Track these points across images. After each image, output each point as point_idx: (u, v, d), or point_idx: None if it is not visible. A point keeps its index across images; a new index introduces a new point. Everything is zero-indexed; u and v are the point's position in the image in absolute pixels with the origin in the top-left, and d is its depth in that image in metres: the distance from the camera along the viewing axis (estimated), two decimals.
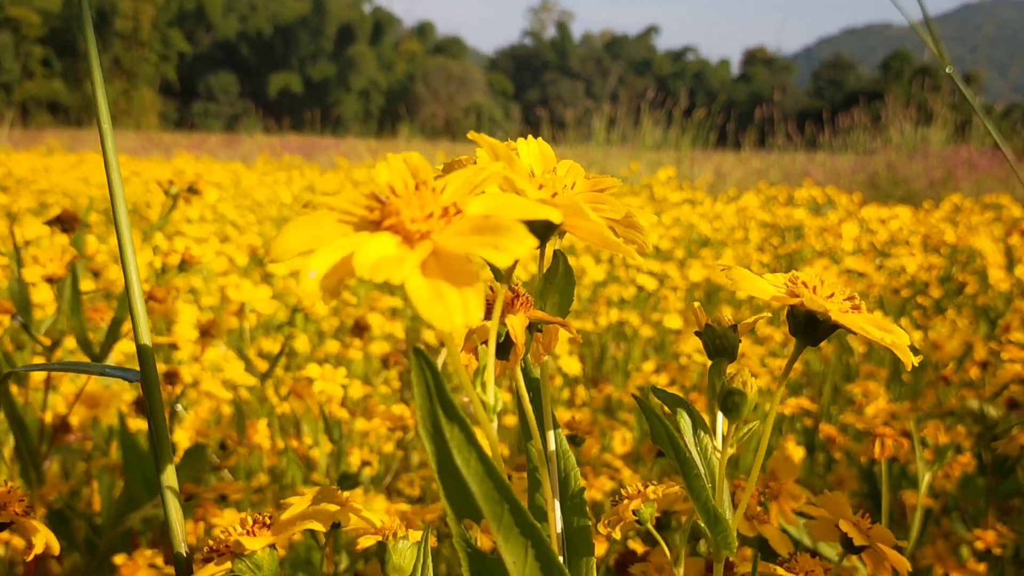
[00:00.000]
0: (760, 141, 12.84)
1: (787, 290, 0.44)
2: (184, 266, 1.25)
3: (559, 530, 0.45)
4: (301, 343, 2.44)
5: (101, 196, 6.02)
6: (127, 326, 1.15)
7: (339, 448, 1.58)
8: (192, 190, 1.27)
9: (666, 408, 0.53)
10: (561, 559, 0.43)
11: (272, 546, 0.45)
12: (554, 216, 0.33)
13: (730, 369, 0.48)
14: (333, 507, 0.46)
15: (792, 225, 5.01)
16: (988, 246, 3.29)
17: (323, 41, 57.52)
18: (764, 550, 0.96)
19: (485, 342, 0.40)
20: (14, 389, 1.30)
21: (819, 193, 6.24)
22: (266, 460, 1.96)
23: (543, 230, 0.41)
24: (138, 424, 1.59)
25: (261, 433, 1.76)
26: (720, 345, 0.49)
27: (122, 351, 1.93)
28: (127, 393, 1.76)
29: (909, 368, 0.42)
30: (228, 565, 0.45)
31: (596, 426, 2.08)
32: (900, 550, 0.67)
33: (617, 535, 0.62)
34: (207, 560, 0.45)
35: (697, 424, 0.48)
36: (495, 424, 0.38)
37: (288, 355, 2.44)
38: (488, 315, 0.40)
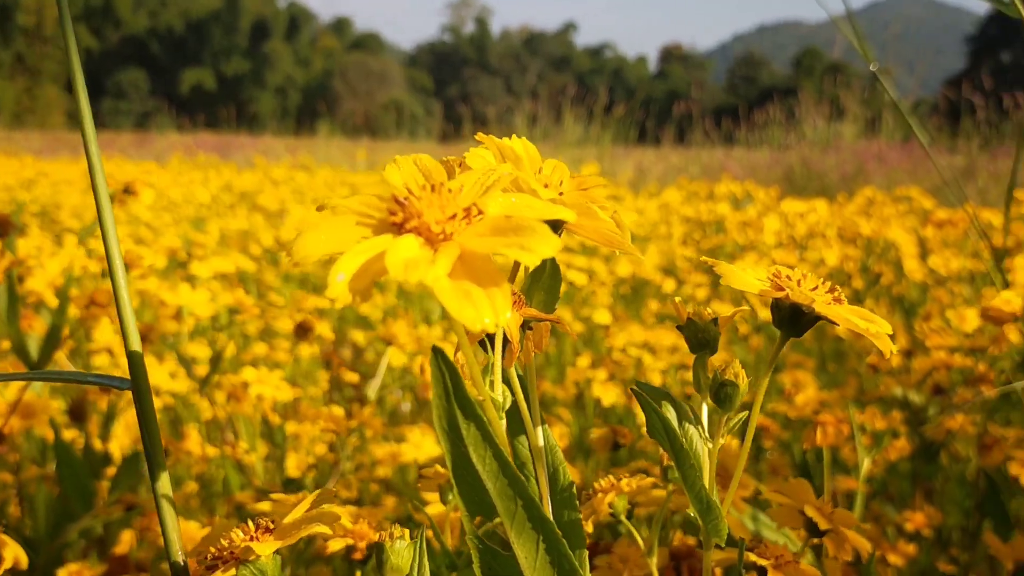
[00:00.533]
0: (679, 137, 13.07)
1: (772, 284, 0.46)
2: (126, 268, 1.21)
3: None
4: (228, 347, 2.39)
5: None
6: (66, 332, 1.11)
7: (282, 452, 1.56)
8: (128, 191, 1.24)
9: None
10: None
11: (277, 552, 0.44)
12: (569, 216, 0.34)
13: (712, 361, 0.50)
14: (340, 510, 0.46)
15: (714, 220, 5.11)
16: (902, 237, 3.41)
17: (237, 37, 56.38)
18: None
19: (481, 341, 0.41)
20: None
21: (738, 188, 6.38)
22: (194, 467, 1.93)
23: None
24: (71, 434, 1.55)
25: (193, 439, 1.72)
26: (702, 338, 0.50)
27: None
28: (56, 402, 1.71)
29: (888, 356, 0.44)
30: (233, 572, 0.44)
31: None
32: None
33: (589, 528, 0.63)
34: (211, 568, 0.45)
35: (682, 416, 0.49)
36: (504, 422, 0.39)
37: (212, 360, 2.40)
38: None
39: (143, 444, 0.46)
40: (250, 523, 0.46)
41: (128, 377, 0.52)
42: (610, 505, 0.63)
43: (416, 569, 0.44)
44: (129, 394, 1.72)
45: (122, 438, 1.66)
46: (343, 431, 1.65)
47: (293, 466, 1.72)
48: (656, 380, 2.19)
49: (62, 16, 0.48)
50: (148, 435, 0.46)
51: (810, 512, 0.64)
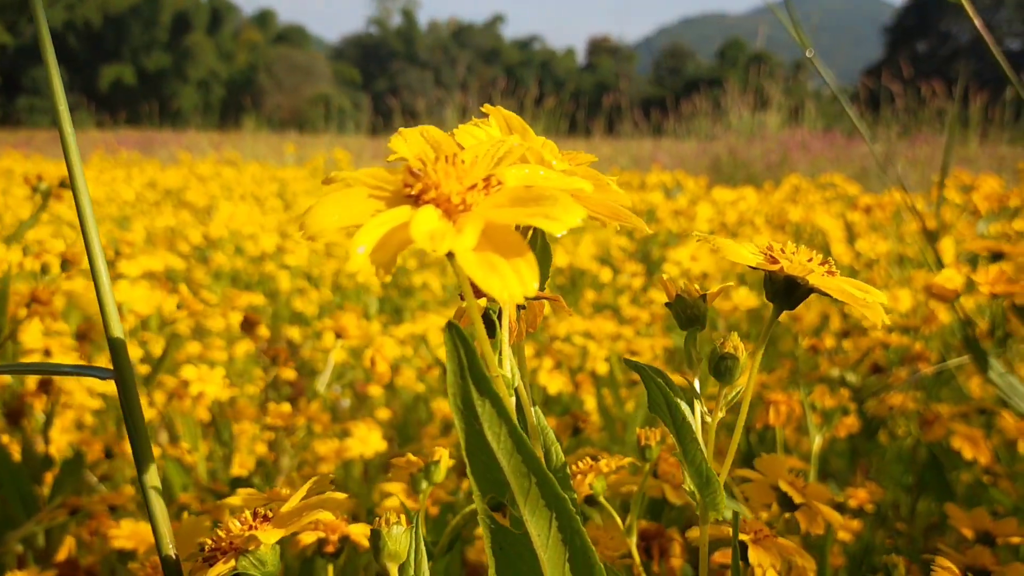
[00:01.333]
0: (609, 128, 13.18)
1: (766, 257, 0.46)
2: (66, 266, 1.17)
3: None
4: (158, 347, 2.33)
5: None
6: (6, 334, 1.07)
7: (229, 450, 1.52)
8: (64, 185, 1.20)
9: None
10: None
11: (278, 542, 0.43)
12: (587, 187, 0.33)
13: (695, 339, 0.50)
14: (340, 496, 0.45)
15: (646, 209, 5.17)
16: (829, 223, 3.50)
17: (157, 31, 54.94)
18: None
19: (485, 318, 0.40)
20: None
21: (669, 178, 6.47)
22: (130, 470, 1.87)
23: None
24: (6, 438, 1.49)
25: (127, 440, 1.68)
26: (691, 315, 0.50)
27: None
28: None
29: (880, 326, 0.45)
30: (233, 564, 0.42)
31: None
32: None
33: None
34: (208, 560, 0.43)
35: (674, 392, 0.49)
36: (514, 399, 0.38)
37: (151, 358, 2.34)
38: None
39: (128, 436, 0.45)
40: (247, 513, 0.44)
41: (93, 371, 0.50)
42: (590, 486, 0.63)
43: (413, 555, 0.43)
44: (65, 397, 1.66)
45: (59, 440, 1.61)
46: (290, 427, 1.62)
47: (237, 464, 1.68)
48: (601, 368, 2.21)
49: (37, 18, 0.46)
50: (134, 426, 0.44)
51: (784, 487, 0.64)
